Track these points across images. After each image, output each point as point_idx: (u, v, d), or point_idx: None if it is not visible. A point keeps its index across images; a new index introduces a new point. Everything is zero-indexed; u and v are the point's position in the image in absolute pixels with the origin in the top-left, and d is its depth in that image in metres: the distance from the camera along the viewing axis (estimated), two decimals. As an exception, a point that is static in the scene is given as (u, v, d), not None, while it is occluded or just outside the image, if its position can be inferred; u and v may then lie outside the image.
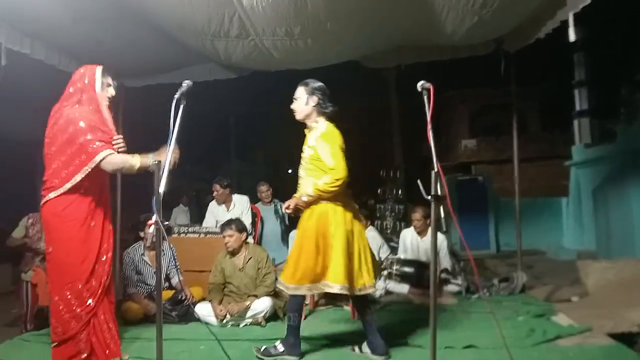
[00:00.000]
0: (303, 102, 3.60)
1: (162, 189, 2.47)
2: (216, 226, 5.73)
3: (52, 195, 3.16)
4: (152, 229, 2.41)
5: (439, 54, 5.38)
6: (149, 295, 4.70)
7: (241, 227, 4.67)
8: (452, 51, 5.32)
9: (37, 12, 4.15)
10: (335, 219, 3.41)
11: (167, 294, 4.65)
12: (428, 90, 2.71)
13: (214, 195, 6.12)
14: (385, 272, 5.50)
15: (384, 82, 14.96)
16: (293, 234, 6.20)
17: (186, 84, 2.79)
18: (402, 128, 15.34)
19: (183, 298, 4.51)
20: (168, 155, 2.59)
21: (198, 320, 4.25)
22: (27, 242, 5.15)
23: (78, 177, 3.15)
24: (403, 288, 5.43)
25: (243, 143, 22.52)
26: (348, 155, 3.48)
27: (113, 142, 3.32)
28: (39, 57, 4.70)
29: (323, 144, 3.45)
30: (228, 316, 4.37)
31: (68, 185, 3.15)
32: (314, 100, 3.57)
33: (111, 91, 3.42)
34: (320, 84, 3.64)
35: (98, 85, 3.34)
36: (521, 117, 7.32)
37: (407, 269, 5.44)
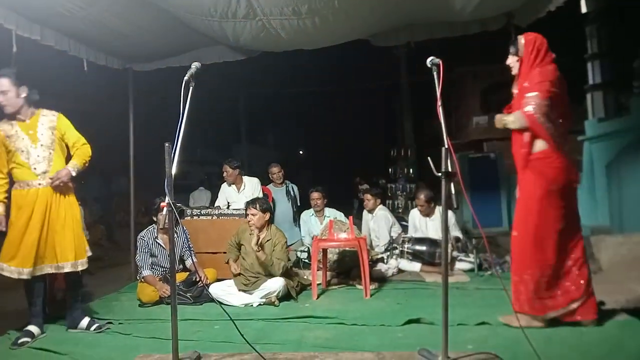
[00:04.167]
0: (14, 95, 3.52)
1: (173, 171, 2.50)
2: (228, 207, 5.78)
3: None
4: (164, 211, 2.44)
5: (450, 30, 5.33)
6: (163, 277, 4.77)
7: (265, 207, 4.68)
8: (462, 27, 5.27)
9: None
10: None
11: (181, 276, 4.70)
12: (437, 65, 2.67)
13: (224, 176, 6.16)
14: (397, 251, 5.53)
15: (394, 60, 14.85)
16: (304, 215, 6.26)
17: (195, 66, 2.81)
18: (412, 106, 15.27)
19: (197, 279, 4.56)
20: (179, 137, 2.60)
21: (212, 300, 4.33)
22: None
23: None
24: (415, 266, 5.46)
25: (253, 126, 22.49)
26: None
27: None
28: (49, 43, 4.72)
29: (69, 125, 3.73)
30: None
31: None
32: (24, 90, 3.56)
33: None
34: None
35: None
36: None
37: (418, 247, 5.46)
